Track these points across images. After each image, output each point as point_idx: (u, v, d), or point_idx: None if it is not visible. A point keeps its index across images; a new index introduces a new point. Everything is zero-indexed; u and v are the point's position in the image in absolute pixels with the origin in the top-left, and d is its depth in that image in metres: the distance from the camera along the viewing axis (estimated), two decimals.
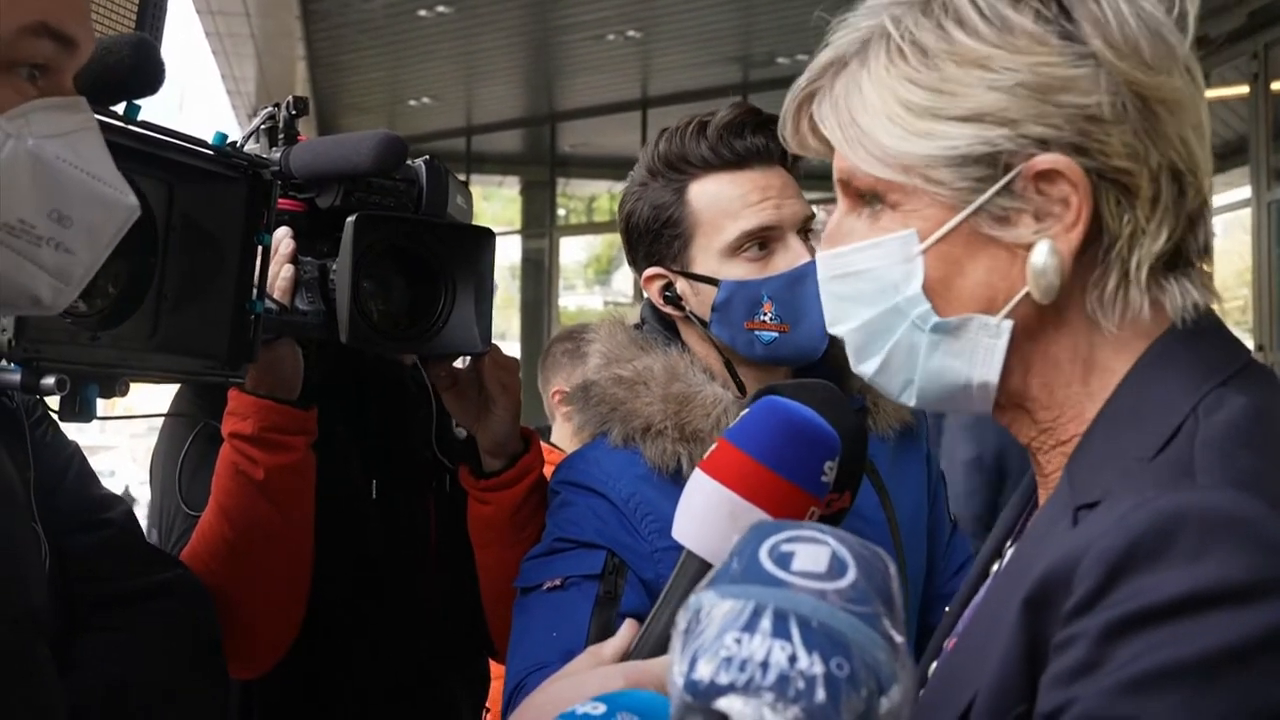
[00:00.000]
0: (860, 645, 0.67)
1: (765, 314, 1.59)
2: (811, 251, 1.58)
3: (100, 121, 0.99)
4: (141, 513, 1.70)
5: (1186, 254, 0.91)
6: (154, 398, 1.76)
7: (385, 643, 1.74)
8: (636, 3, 9.20)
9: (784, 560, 0.71)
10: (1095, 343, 0.90)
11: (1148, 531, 0.76)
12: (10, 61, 0.91)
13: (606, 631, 1.48)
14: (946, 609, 1.08)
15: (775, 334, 1.60)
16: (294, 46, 10.23)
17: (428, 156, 1.69)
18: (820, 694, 0.65)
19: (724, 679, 0.66)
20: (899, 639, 0.69)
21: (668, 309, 1.68)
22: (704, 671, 0.66)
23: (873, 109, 0.91)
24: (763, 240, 1.60)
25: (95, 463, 1.47)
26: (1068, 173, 0.86)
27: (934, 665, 1.01)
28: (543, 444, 2.97)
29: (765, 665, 0.65)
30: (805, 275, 1.57)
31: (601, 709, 0.76)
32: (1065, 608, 0.78)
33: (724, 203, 1.61)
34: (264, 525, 1.56)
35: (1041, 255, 0.87)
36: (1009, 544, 1.03)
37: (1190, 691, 0.72)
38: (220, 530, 1.56)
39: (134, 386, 1.30)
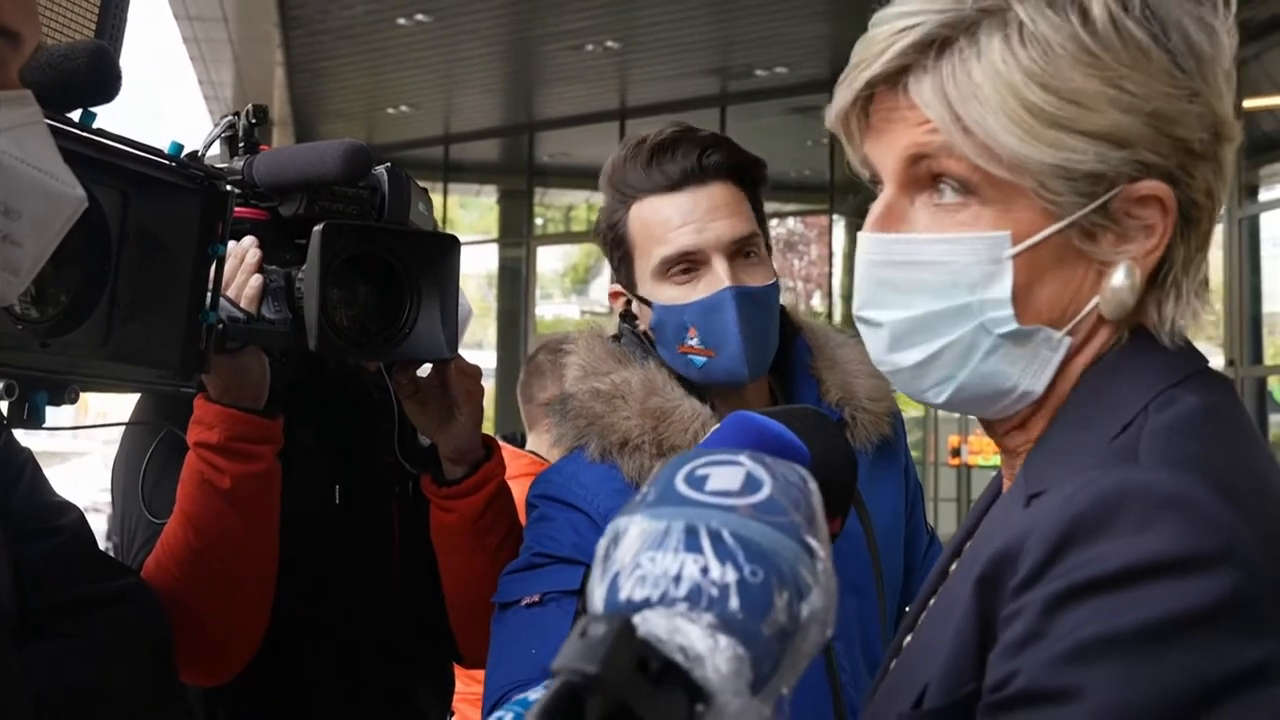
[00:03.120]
0: (775, 553, 0.68)
1: (692, 339, 1.59)
2: (733, 276, 1.57)
3: (56, 128, 0.99)
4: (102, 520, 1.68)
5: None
6: (125, 406, 1.75)
7: (350, 648, 1.74)
8: (616, 14, 9.21)
9: (698, 482, 0.72)
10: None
11: (1092, 507, 0.78)
12: None
13: None
14: (906, 609, 1.09)
15: (704, 358, 1.59)
16: (272, 53, 10.20)
17: (389, 164, 1.68)
18: (734, 600, 0.66)
19: (639, 595, 0.67)
20: (817, 546, 0.70)
21: (626, 325, 1.68)
22: (622, 591, 0.68)
23: (988, 101, 0.87)
24: (686, 265, 1.59)
25: (68, 471, 1.47)
26: (1166, 200, 0.88)
27: (895, 661, 1.02)
28: (524, 452, 2.96)
29: (678, 578, 0.67)
30: (721, 303, 1.57)
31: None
32: (1012, 583, 0.79)
33: (652, 227, 1.61)
34: (230, 534, 1.56)
35: (1121, 275, 0.89)
36: (969, 545, 1.04)
37: (1130, 660, 0.73)
38: (185, 539, 1.56)
39: (107, 397, 1.29)
